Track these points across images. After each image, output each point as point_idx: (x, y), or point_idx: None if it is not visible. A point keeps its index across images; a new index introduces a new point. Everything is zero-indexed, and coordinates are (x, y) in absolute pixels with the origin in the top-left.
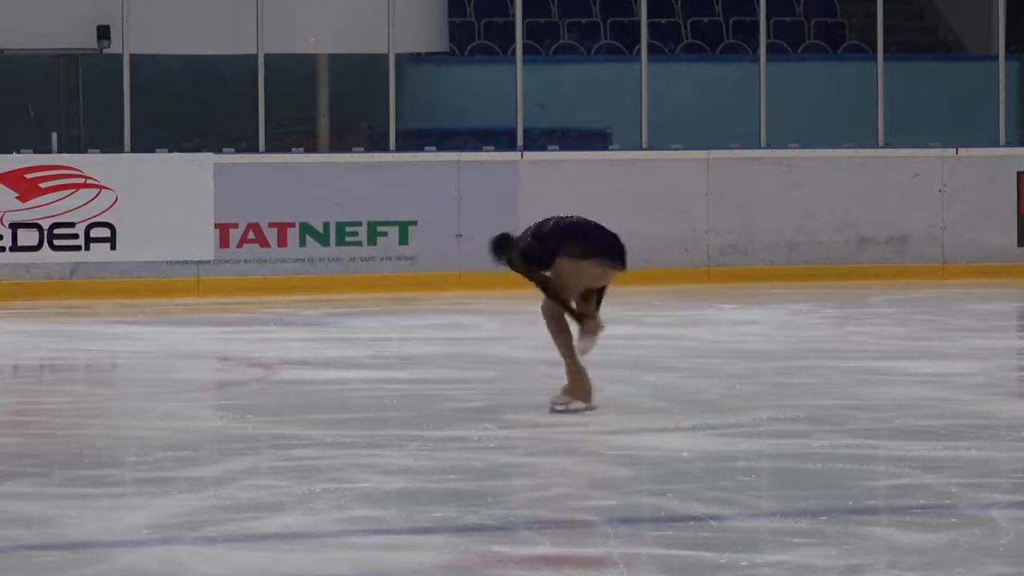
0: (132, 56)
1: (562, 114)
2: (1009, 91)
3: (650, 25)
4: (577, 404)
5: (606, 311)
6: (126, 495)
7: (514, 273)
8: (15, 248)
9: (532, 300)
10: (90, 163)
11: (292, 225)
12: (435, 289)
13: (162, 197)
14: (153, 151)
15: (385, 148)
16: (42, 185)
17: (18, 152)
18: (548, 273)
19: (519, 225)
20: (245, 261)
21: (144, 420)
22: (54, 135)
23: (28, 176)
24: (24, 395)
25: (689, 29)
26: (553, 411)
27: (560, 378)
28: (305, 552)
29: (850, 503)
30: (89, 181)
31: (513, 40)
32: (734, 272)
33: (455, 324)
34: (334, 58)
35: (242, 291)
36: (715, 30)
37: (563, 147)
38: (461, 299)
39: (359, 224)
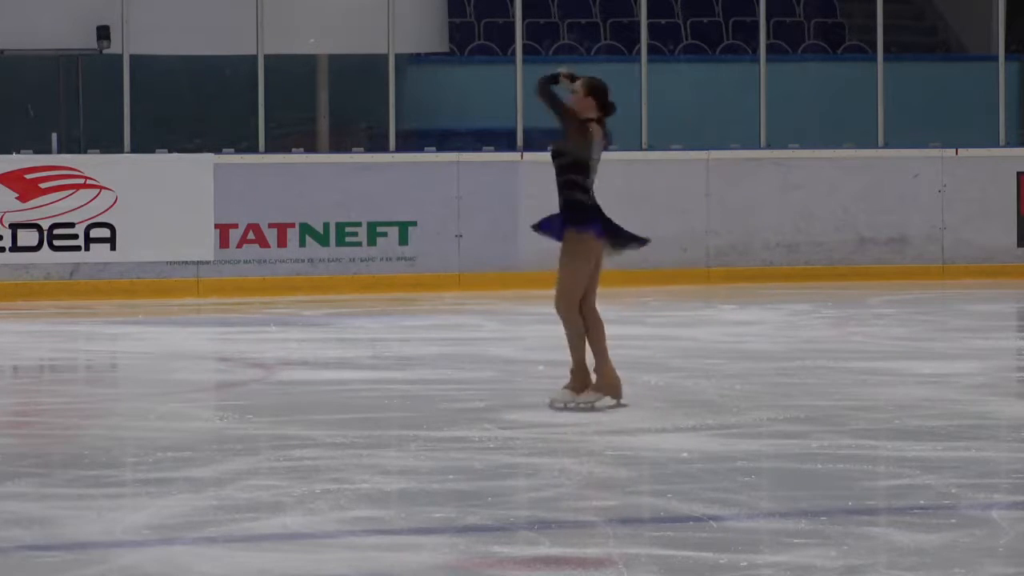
0: (132, 56)
1: None
2: (1009, 91)
3: (650, 25)
4: (605, 400)
5: (606, 309)
6: (126, 495)
7: (513, 274)
8: (15, 248)
9: (532, 301)
10: (90, 163)
11: (292, 225)
12: (435, 289)
13: (162, 197)
14: (153, 151)
15: (385, 148)
16: (42, 185)
17: (18, 152)
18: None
19: (519, 226)
20: (245, 262)
21: (144, 420)
22: (54, 135)
23: (28, 176)
24: (24, 395)
25: (689, 29)
26: (567, 408)
27: (556, 378)
28: (305, 552)
29: (850, 503)
30: (89, 181)
31: (513, 40)
32: (734, 272)
33: (455, 324)
34: (334, 58)
35: (242, 292)
36: (715, 30)
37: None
38: (461, 299)
39: (359, 224)
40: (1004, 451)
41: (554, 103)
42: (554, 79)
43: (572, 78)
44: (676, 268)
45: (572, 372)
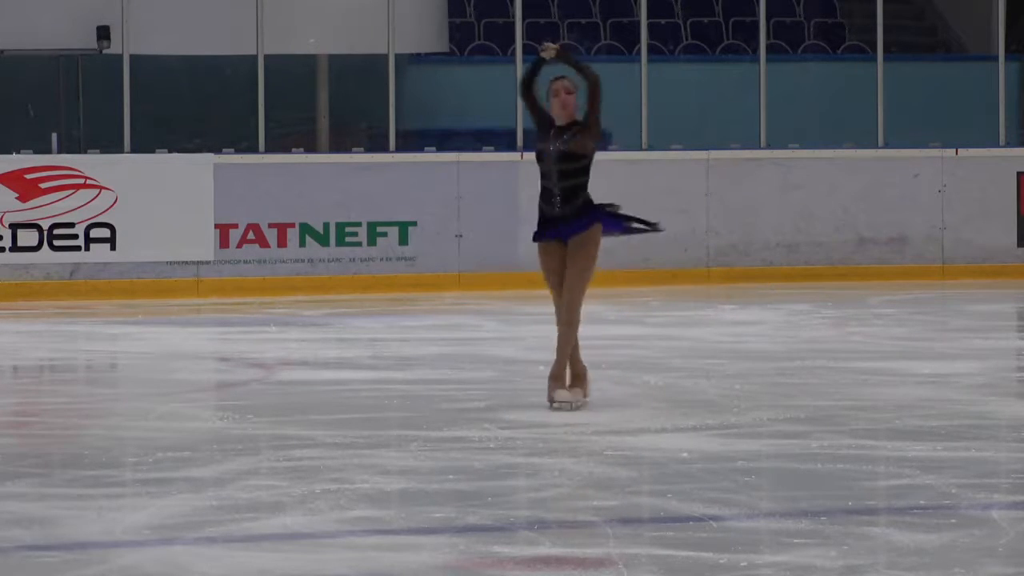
0: (132, 56)
1: None
2: (1009, 91)
3: (650, 25)
4: (584, 400)
5: (606, 309)
6: (126, 495)
7: (513, 274)
8: (15, 248)
9: (532, 301)
10: (90, 163)
11: (292, 225)
12: (435, 289)
13: (162, 197)
14: (153, 151)
15: (385, 148)
16: (42, 185)
17: (18, 152)
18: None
19: (519, 225)
20: (245, 262)
21: (144, 420)
22: (54, 135)
23: (28, 176)
24: (24, 395)
25: (689, 29)
26: (562, 409)
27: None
28: (305, 552)
29: (850, 503)
30: (89, 181)
31: (513, 40)
32: (734, 272)
33: (455, 324)
34: (334, 58)
35: (242, 292)
36: (715, 30)
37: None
38: (461, 299)
39: (359, 224)
40: (1004, 451)
41: (535, 108)
42: (537, 68)
43: (562, 56)
44: (676, 268)
45: (573, 374)
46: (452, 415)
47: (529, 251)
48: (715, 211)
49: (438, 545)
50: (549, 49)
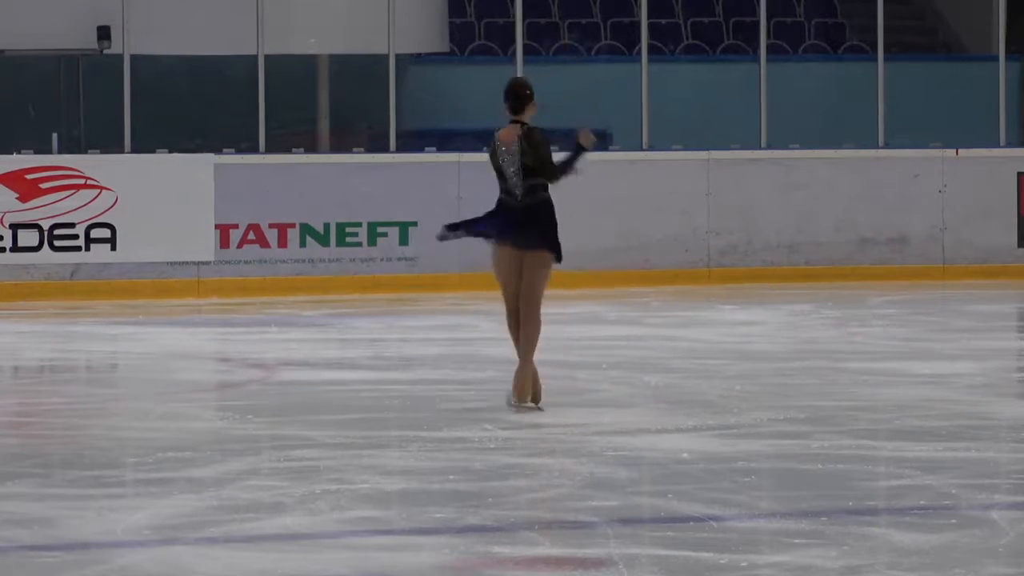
0: (132, 56)
1: (562, 114)
2: (1009, 91)
3: (650, 25)
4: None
5: (607, 309)
6: (126, 496)
7: None
8: (15, 248)
9: None
10: (90, 164)
11: (292, 226)
12: (435, 290)
13: (162, 197)
14: (153, 151)
15: (385, 149)
16: (42, 186)
17: (18, 153)
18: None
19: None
20: (245, 262)
21: (144, 420)
22: (54, 136)
23: (28, 177)
24: (24, 395)
25: (689, 29)
26: (534, 409)
27: (556, 378)
28: (305, 552)
29: (850, 503)
30: (89, 182)
31: (513, 40)
32: (734, 272)
33: (455, 325)
34: (334, 58)
35: (242, 292)
36: (715, 30)
37: (563, 147)
38: (461, 300)
39: (359, 225)
40: (1004, 451)
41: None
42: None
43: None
44: (676, 268)
45: (530, 376)
46: (452, 415)
47: None
48: (715, 211)
49: (438, 545)
50: (589, 137)
